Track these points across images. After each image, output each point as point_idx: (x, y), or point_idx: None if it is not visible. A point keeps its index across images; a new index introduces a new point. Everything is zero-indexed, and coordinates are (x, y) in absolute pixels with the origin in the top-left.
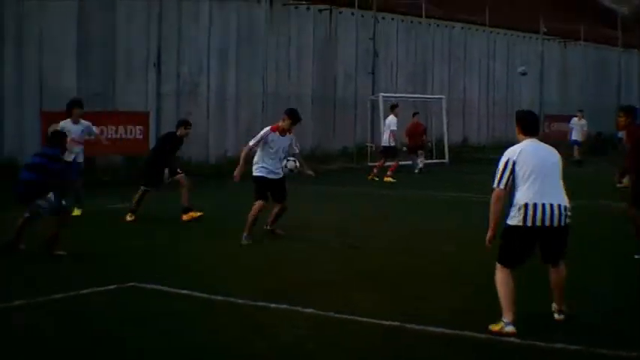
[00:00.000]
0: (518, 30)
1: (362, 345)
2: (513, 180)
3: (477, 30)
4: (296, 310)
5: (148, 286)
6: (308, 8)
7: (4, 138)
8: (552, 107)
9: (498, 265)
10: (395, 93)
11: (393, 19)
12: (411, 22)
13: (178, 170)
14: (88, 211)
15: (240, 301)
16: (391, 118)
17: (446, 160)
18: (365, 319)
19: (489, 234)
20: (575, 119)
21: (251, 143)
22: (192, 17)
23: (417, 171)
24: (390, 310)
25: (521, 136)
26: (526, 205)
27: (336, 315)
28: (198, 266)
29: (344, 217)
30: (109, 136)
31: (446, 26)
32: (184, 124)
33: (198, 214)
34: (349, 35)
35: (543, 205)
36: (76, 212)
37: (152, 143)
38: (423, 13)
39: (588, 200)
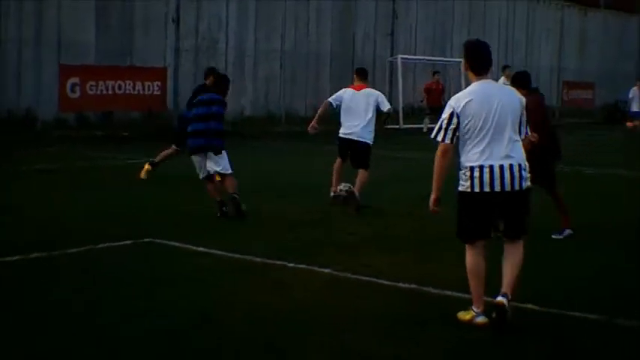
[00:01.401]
0: None
1: (378, 306)
2: (458, 135)
3: None
4: (313, 270)
5: (165, 242)
6: None
7: (23, 91)
8: (570, 74)
9: (467, 245)
10: (414, 55)
11: None
12: None
13: None
14: (108, 166)
15: (257, 259)
16: (500, 81)
17: None
18: (382, 281)
19: (433, 196)
20: (634, 89)
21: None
22: None
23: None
24: (407, 273)
25: (471, 75)
26: (472, 169)
27: (353, 276)
28: (216, 224)
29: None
30: (127, 91)
31: None
32: (211, 72)
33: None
34: None
35: (492, 167)
36: None
37: (170, 99)
38: None
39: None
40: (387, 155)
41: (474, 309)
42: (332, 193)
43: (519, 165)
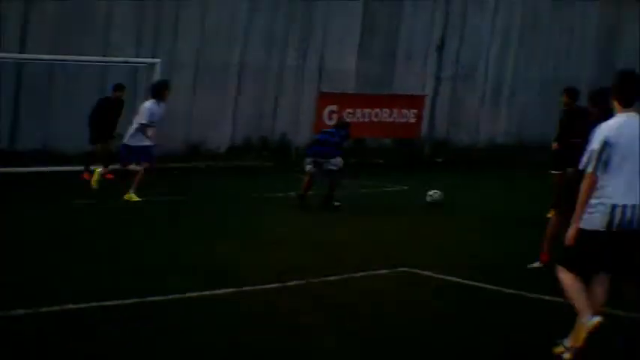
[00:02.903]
0: None
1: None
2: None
3: None
4: None
5: (420, 272)
6: None
7: (279, 117)
8: None
9: (560, 268)
10: None
11: None
12: None
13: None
14: (368, 194)
15: (512, 291)
16: None
17: None
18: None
19: (574, 228)
20: None
21: None
22: (478, 3)
23: None
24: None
25: (617, 106)
26: (614, 206)
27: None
28: (463, 254)
29: None
30: (383, 119)
31: None
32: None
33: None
34: (634, 25)
35: (633, 207)
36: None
37: (425, 127)
38: None
39: None
40: None
41: (585, 317)
42: None
43: None
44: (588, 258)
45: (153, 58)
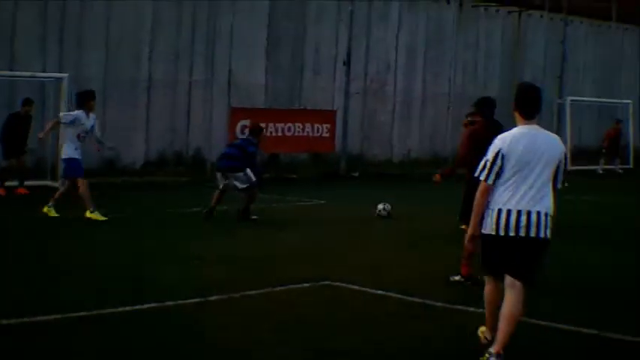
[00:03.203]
0: None
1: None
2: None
3: None
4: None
5: (342, 285)
6: (497, 10)
7: (192, 132)
8: None
9: (485, 277)
10: (582, 97)
11: (582, 22)
12: (599, 26)
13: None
14: (279, 208)
15: (438, 304)
16: None
17: (630, 166)
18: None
19: (470, 231)
20: None
21: None
22: (382, 17)
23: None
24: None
25: (518, 118)
26: (499, 211)
27: (530, 320)
28: (384, 267)
29: None
30: (296, 133)
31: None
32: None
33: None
34: (537, 38)
35: (519, 213)
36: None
37: (338, 141)
38: (614, 17)
39: None
40: None
41: (487, 336)
42: None
43: (546, 213)
44: (488, 259)
45: (60, 72)
